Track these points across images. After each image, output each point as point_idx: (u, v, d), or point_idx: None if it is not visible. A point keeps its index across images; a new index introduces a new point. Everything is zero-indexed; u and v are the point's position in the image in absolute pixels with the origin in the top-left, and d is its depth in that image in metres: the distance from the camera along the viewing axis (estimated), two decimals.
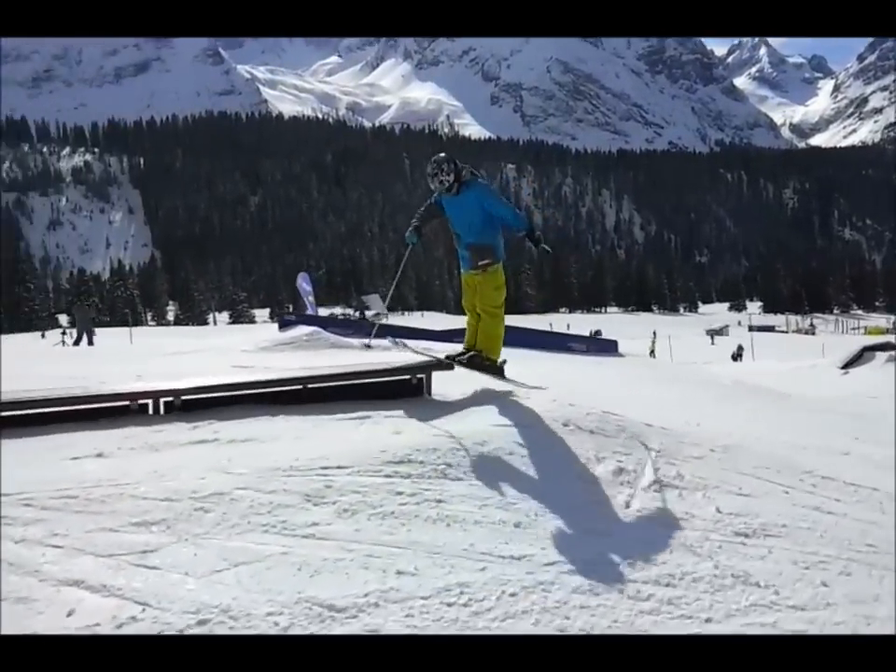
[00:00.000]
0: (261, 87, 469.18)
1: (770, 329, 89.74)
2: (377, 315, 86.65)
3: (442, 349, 6.78)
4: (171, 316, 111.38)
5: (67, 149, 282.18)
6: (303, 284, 26.69)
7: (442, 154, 5.27)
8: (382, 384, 5.76)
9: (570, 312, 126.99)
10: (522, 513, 3.57)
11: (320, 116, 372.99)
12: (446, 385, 5.86)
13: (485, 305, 5.33)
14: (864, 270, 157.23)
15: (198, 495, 3.42)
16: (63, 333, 33.93)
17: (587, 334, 36.10)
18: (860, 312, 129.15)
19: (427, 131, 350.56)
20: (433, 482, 3.77)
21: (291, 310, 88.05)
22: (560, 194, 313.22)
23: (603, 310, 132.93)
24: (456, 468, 3.93)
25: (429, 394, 5.94)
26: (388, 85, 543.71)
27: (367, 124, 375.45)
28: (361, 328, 20.90)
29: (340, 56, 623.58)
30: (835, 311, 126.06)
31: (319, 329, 14.14)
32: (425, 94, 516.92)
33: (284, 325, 18.70)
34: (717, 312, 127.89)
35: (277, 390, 5.53)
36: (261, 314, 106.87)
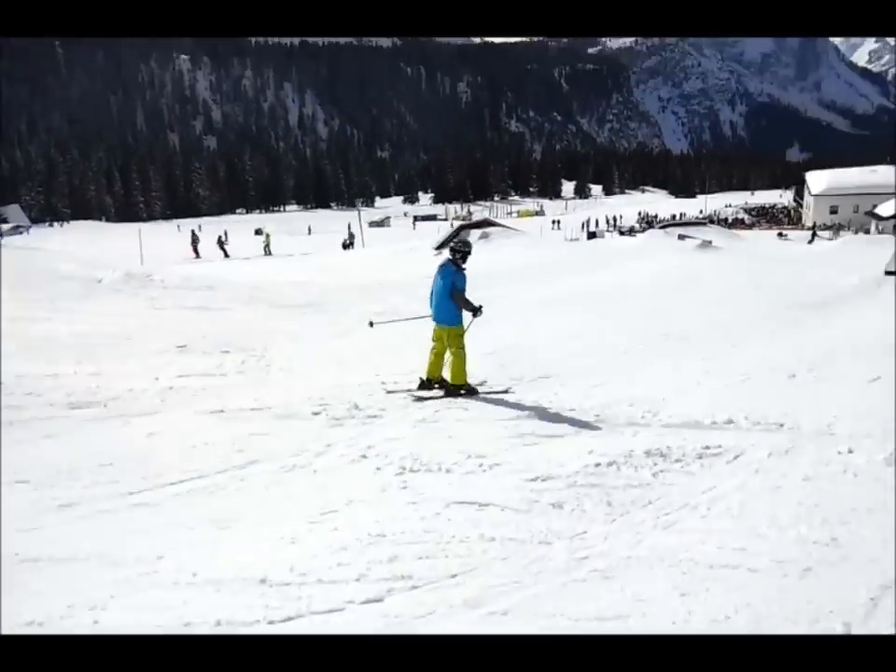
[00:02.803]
0: None
1: (433, 217, 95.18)
2: (17, 227, 76.12)
3: None
4: None
5: None
6: None
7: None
8: None
9: (248, 212, 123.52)
10: None
11: None
12: None
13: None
14: (522, 159, 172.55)
15: None
16: None
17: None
18: (516, 197, 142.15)
19: None
20: None
21: None
22: (240, 88, 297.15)
23: (282, 209, 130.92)
24: None
25: None
26: None
27: None
28: None
29: None
30: (496, 198, 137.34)
31: None
32: None
33: None
34: (392, 205, 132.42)
35: None
36: None
